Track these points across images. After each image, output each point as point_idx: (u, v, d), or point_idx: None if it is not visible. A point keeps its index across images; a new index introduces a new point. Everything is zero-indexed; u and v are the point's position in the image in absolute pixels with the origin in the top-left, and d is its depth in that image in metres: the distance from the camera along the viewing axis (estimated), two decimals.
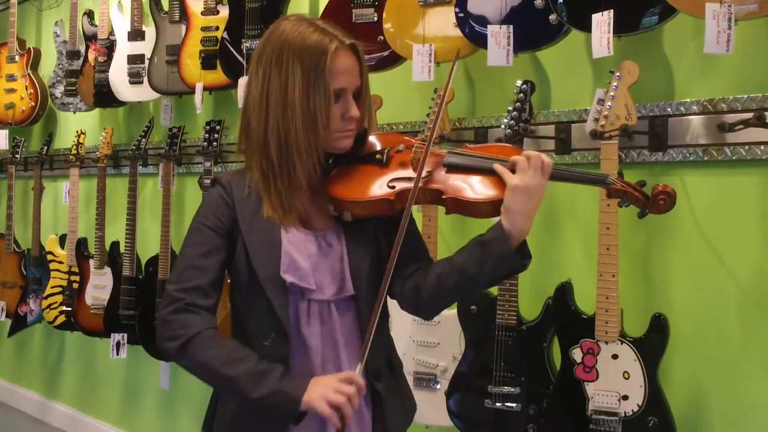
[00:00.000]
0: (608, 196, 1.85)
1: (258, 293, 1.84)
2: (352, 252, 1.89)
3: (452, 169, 1.85)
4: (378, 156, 1.92)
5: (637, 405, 2.30)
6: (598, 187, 1.86)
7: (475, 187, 1.81)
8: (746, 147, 2.29)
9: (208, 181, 3.71)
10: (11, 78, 5.27)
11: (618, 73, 2.34)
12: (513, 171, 1.76)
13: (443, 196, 1.83)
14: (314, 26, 1.84)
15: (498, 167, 1.77)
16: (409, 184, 1.83)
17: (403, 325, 2.78)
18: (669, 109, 2.44)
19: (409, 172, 1.87)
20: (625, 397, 2.31)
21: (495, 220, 1.80)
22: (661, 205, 1.79)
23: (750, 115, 2.23)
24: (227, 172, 1.95)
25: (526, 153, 1.77)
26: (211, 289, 1.83)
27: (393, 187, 1.85)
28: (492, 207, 1.81)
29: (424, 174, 1.83)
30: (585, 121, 2.53)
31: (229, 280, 1.94)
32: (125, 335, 4.24)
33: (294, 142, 1.80)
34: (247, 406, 1.86)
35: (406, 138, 1.99)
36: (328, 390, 1.70)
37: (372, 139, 1.97)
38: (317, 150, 1.84)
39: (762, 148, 2.26)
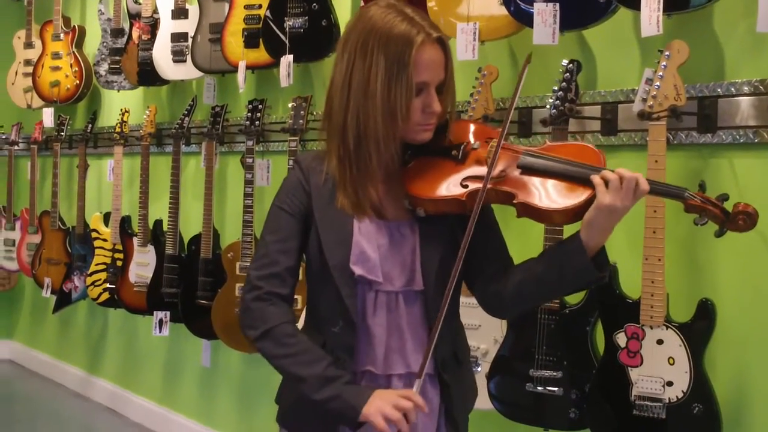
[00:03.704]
0: (686, 211, 1.76)
1: (328, 280, 1.87)
2: (425, 247, 1.88)
3: (527, 170, 1.81)
4: (454, 152, 1.88)
5: (682, 391, 2.26)
6: (676, 201, 1.77)
7: (550, 194, 1.76)
8: None
9: (250, 160, 3.72)
10: (56, 56, 5.31)
11: (667, 53, 2.29)
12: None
13: (514, 201, 1.78)
14: (403, 15, 1.81)
15: (598, 181, 1.71)
16: (481, 184, 1.79)
17: None
18: (719, 90, 2.38)
19: (484, 170, 1.82)
20: (670, 383, 2.28)
21: None
22: (740, 225, 1.72)
23: None
24: (308, 154, 1.98)
25: (620, 172, 1.71)
26: (288, 275, 1.89)
27: (466, 186, 1.83)
28: (565, 217, 1.78)
29: (497, 173, 1.80)
30: (631, 101, 2.48)
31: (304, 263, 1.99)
32: (168, 313, 4.27)
33: (372, 131, 1.80)
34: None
35: (489, 129, 1.95)
36: (386, 405, 1.75)
37: (459, 127, 1.94)
38: (395, 141, 1.84)
39: None
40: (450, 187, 1.85)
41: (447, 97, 1.87)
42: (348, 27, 1.89)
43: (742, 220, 1.72)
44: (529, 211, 1.79)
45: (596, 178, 1.71)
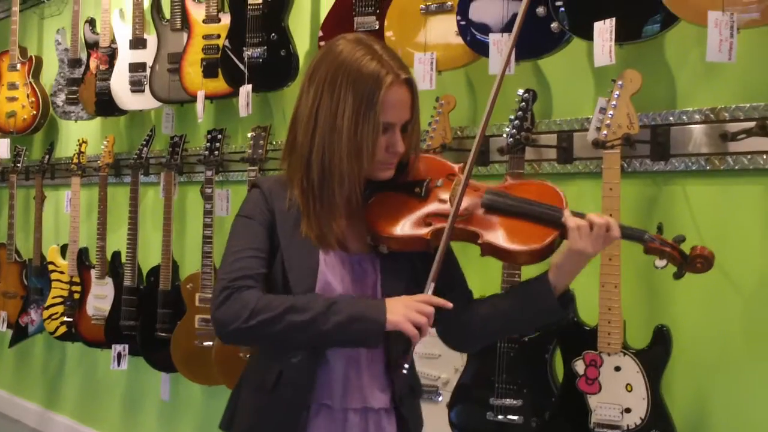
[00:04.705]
0: (645, 253, 1.81)
1: None
2: (386, 282, 1.87)
3: (491, 210, 1.82)
4: (417, 189, 1.88)
5: (640, 418, 2.27)
6: (637, 243, 1.81)
7: (515, 235, 1.78)
8: (749, 156, 2.26)
9: (210, 190, 3.70)
10: (13, 86, 5.26)
11: (620, 82, 2.31)
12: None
13: (479, 240, 1.79)
14: (372, 53, 1.80)
15: (573, 226, 1.73)
16: (446, 223, 1.79)
17: None
18: (671, 118, 2.42)
19: (447, 208, 1.83)
20: (628, 410, 2.28)
21: None
22: (698, 267, 1.79)
23: (752, 124, 2.21)
24: (267, 178, 1.95)
25: (590, 218, 1.74)
26: (261, 280, 1.81)
27: (429, 224, 1.83)
28: (531, 257, 1.79)
29: (461, 212, 1.80)
30: (587, 129, 2.51)
31: None
32: (126, 346, 4.22)
33: (337, 168, 1.79)
34: (266, 400, 1.87)
35: (449, 165, 1.94)
36: (410, 311, 1.71)
37: (421, 163, 1.93)
38: (359, 178, 1.82)
39: (765, 157, 2.23)
40: (414, 225, 1.84)
41: (411, 137, 1.87)
42: (316, 59, 1.87)
43: (699, 263, 1.79)
44: (494, 251, 1.79)
45: (572, 223, 1.74)
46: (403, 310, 1.71)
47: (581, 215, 1.77)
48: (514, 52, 2.58)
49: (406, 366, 1.78)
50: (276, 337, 1.76)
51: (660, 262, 1.81)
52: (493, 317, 1.88)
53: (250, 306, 1.74)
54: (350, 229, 1.89)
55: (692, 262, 1.78)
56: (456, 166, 1.93)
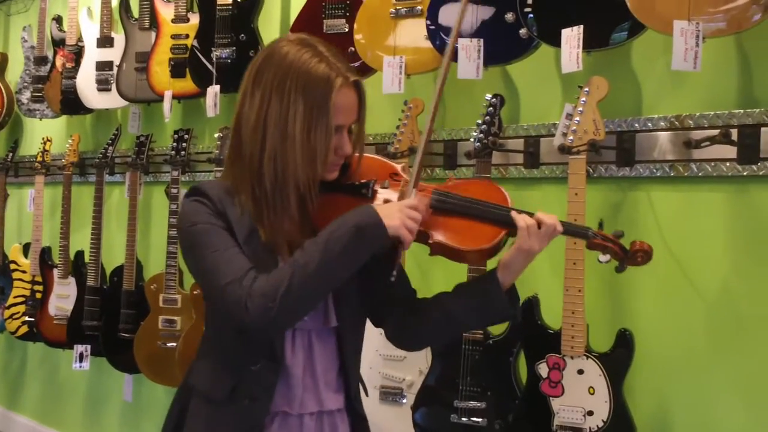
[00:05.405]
0: (588, 248, 1.87)
1: None
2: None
3: (440, 211, 1.82)
4: (363, 191, 1.86)
5: (602, 420, 2.29)
6: (580, 239, 1.88)
7: (464, 234, 1.79)
8: (712, 163, 2.29)
9: (176, 190, 3.68)
10: None
11: (587, 89, 2.34)
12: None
13: (429, 240, 1.79)
14: (318, 55, 1.76)
15: (522, 225, 1.76)
16: None
17: (369, 339, 2.73)
18: (637, 125, 2.45)
19: None
20: (590, 413, 2.31)
21: None
22: (638, 261, 1.86)
23: (716, 132, 2.24)
24: (210, 185, 1.83)
25: (539, 217, 1.77)
26: (255, 269, 1.72)
27: None
28: (480, 256, 1.82)
29: None
30: (554, 135, 2.53)
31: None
32: (88, 346, 4.18)
33: (292, 175, 1.75)
34: (221, 410, 1.83)
35: (392, 165, 1.93)
36: (404, 215, 1.69)
37: (364, 163, 1.91)
38: (314, 183, 1.78)
39: (728, 164, 2.27)
40: None
41: (358, 138, 1.85)
42: (258, 62, 1.80)
43: (640, 257, 1.86)
44: (444, 250, 1.80)
45: (521, 222, 1.76)
46: (398, 215, 1.68)
47: (530, 214, 1.79)
48: (482, 55, 2.61)
49: (394, 274, 1.74)
50: (304, 297, 1.69)
51: (603, 257, 1.90)
52: (444, 319, 1.88)
53: (265, 291, 1.66)
54: (301, 232, 1.83)
55: (633, 256, 1.86)
56: (398, 166, 1.93)
